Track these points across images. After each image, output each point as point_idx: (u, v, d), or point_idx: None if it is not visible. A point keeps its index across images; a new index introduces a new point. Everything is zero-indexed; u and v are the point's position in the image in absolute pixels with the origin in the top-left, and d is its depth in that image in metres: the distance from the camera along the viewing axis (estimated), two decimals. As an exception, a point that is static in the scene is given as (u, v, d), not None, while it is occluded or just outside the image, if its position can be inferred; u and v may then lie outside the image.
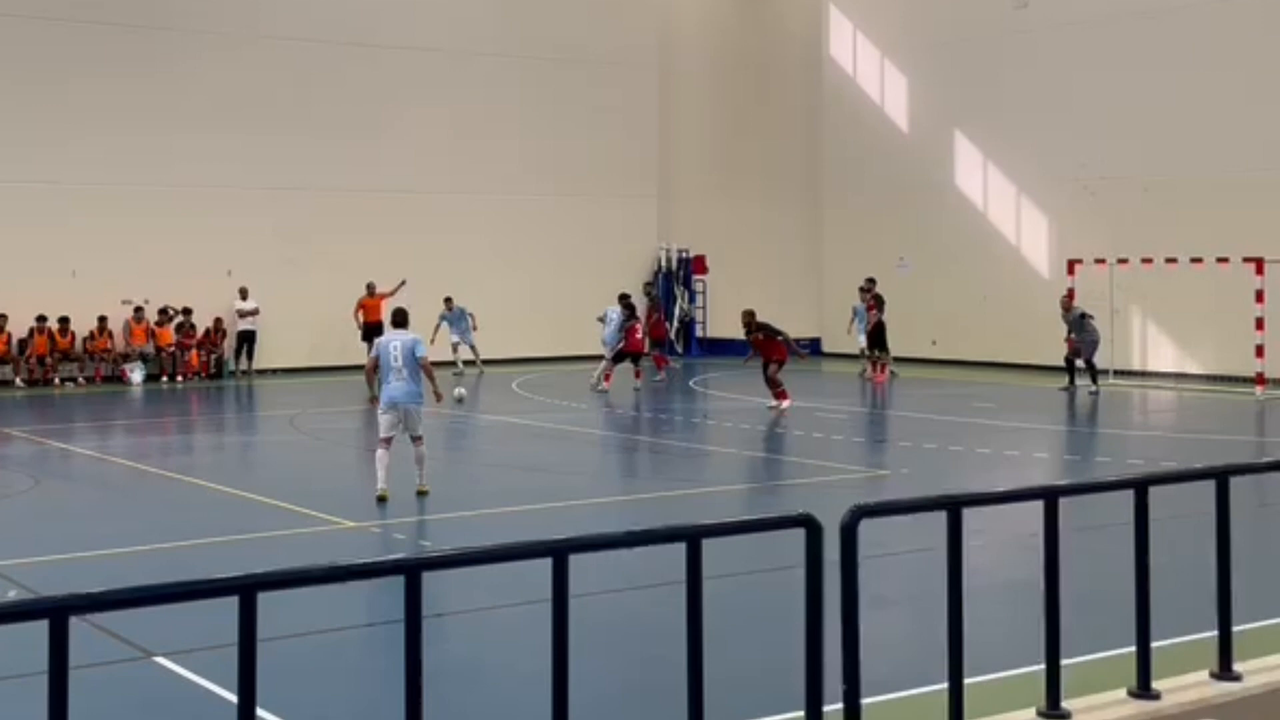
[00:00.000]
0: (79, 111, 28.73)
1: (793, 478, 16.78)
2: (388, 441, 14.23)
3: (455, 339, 30.50)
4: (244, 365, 30.20)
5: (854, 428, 21.74)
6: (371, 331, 30.33)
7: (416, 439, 14.36)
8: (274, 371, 30.37)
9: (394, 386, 14.22)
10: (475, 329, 30.63)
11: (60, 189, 28.56)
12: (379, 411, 14.41)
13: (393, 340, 14.44)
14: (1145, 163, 28.65)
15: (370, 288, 30.40)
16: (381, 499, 14.00)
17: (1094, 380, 25.18)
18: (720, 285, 35.80)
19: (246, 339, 30.19)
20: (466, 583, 10.30)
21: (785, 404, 22.55)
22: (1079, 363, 25.42)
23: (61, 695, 3.14)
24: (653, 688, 7.96)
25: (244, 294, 29.94)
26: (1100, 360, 25.69)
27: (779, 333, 23.22)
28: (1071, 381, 25.45)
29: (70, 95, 28.67)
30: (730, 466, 17.84)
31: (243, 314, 30.00)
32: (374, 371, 14.59)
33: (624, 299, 28.09)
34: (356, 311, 30.52)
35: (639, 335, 27.63)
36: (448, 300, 30.27)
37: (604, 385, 26.54)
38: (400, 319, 14.88)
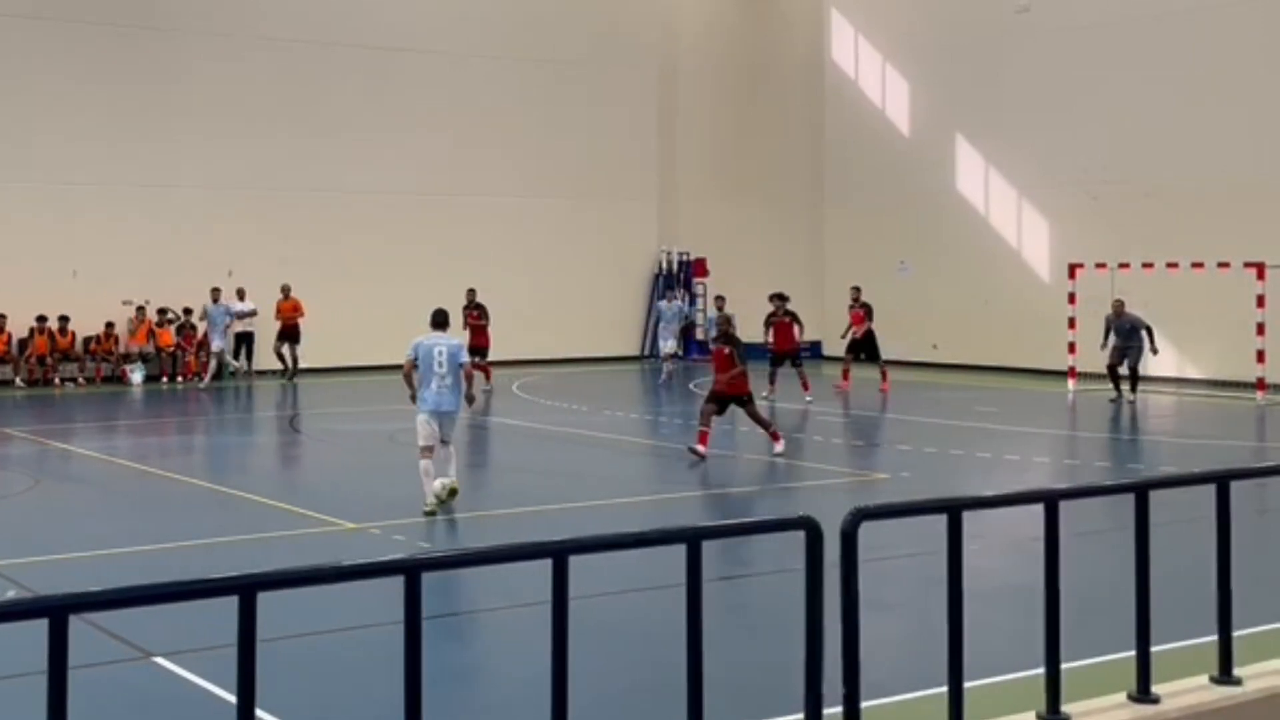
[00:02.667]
0: (79, 112, 28.74)
1: (793, 480, 16.77)
2: (430, 450, 13.58)
3: (217, 344, 28.96)
4: (244, 366, 30.08)
5: (854, 431, 21.73)
6: (286, 335, 29.93)
7: (445, 442, 13.81)
8: (272, 373, 30.33)
9: (439, 395, 13.58)
10: (229, 328, 29.16)
11: (61, 189, 28.56)
12: (420, 420, 13.73)
13: (437, 344, 13.67)
14: (1147, 167, 28.64)
15: (285, 289, 29.80)
16: (431, 513, 13.39)
17: (1134, 388, 24.73)
18: (721, 288, 35.76)
19: (244, 341, 30.10)
20: (468, 584, 10.30)
21: (781, 445, 17.99)
22: (1122, 370, 24.72)
23: (61, 695, 3.14)
24: (652, 689, 7.95)
25: (241, 295, 29.86)
26: (1101, 365, 25.62)
27: (744, 361, 17.98)
28: (1118, 390, 24.73)
29: (70, 95, 28.67)
30: (730, 469, 17.82)
31: (240, 315, 29.92)
32: (412, 372, 13.87)
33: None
34: (277, 316, 29.95)
35: (793, 334, 24.93)
36: (215, 291, 28.81)
37: (770, 393, 24.08)
38: (441, 320, 14.10)
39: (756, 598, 10.26)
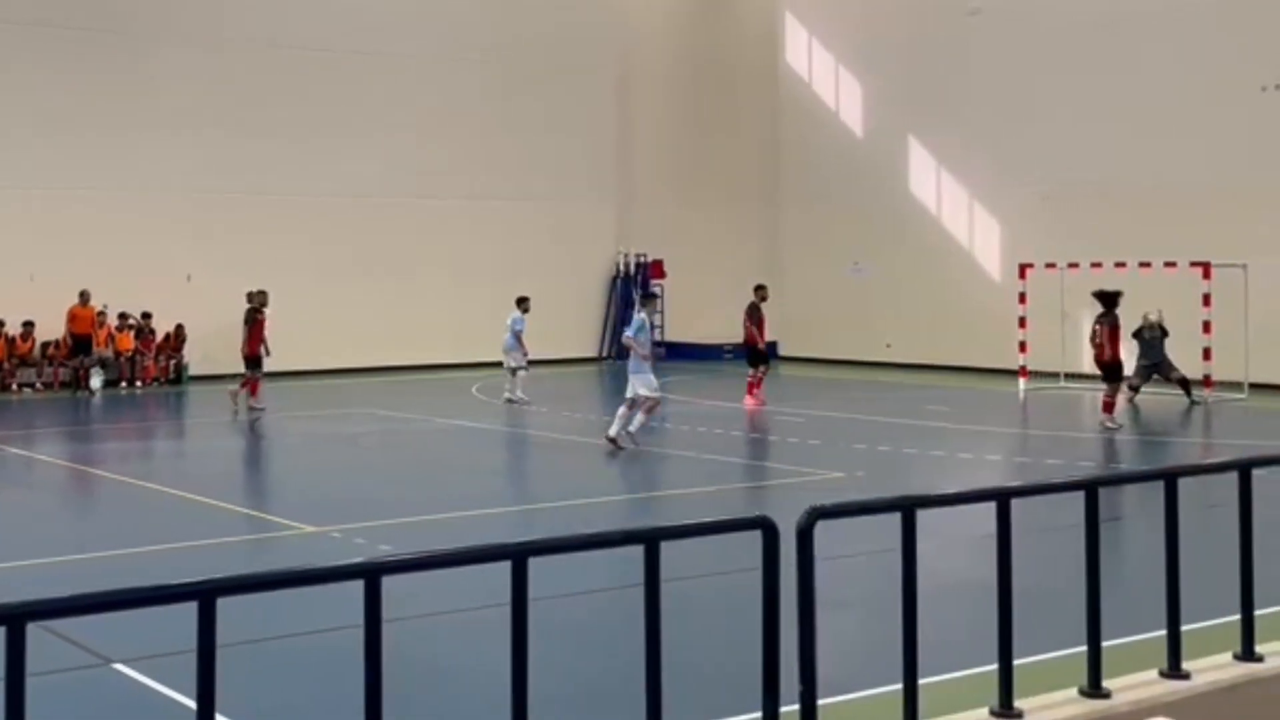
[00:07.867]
0: (37, 115, 28.49)
1: (750, 480, 16.85)
2: None
3: None
4: None
5: (810, 431, 21.81)
6: (80, 346, 28.15)
7: None
8: (235, 376, 30.08)
9: None
10: None
11: (18, 193, 28.28)
12: None
13: None
14: (1097, 168, 28.90)
15: (84, 295, 28.21)
16: None
17: (1189, 392, 24.27)
18: (678, 289, 35.86)
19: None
20: (429, 586, 10.30)
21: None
22: (1158, 376, 24.30)
23: (18, 703, 3.15)
24: (611, 689, 8.00)
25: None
26: (1051, 364, 25.78)
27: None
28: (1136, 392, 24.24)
29: (29, 98, 28.42)
30: (688, 470, 17.86)
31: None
32: None
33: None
34: (69, 322, 28.24)
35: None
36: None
37: (1110, 421, 20.78)
38: None
39: (714, 597, 10.31)
